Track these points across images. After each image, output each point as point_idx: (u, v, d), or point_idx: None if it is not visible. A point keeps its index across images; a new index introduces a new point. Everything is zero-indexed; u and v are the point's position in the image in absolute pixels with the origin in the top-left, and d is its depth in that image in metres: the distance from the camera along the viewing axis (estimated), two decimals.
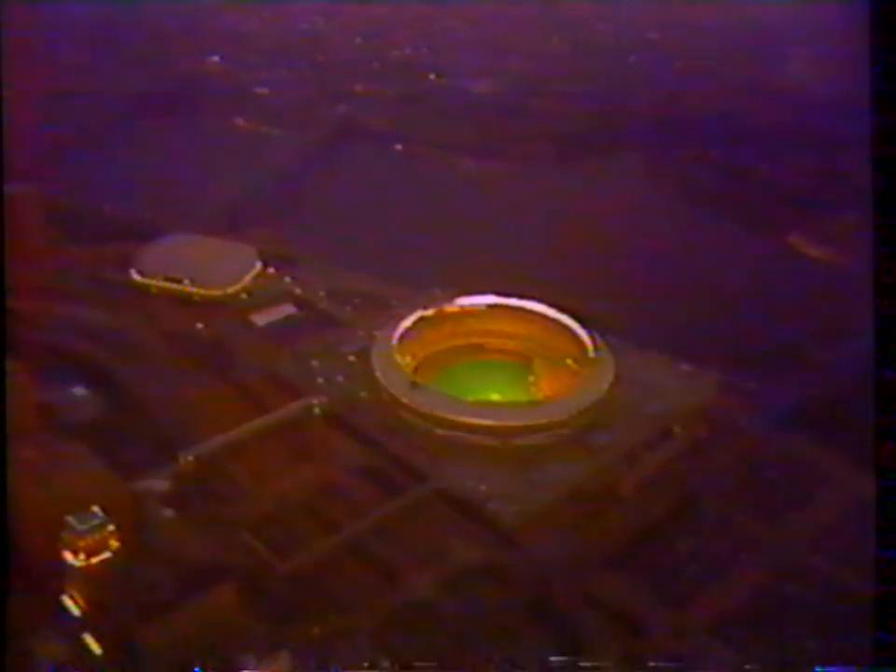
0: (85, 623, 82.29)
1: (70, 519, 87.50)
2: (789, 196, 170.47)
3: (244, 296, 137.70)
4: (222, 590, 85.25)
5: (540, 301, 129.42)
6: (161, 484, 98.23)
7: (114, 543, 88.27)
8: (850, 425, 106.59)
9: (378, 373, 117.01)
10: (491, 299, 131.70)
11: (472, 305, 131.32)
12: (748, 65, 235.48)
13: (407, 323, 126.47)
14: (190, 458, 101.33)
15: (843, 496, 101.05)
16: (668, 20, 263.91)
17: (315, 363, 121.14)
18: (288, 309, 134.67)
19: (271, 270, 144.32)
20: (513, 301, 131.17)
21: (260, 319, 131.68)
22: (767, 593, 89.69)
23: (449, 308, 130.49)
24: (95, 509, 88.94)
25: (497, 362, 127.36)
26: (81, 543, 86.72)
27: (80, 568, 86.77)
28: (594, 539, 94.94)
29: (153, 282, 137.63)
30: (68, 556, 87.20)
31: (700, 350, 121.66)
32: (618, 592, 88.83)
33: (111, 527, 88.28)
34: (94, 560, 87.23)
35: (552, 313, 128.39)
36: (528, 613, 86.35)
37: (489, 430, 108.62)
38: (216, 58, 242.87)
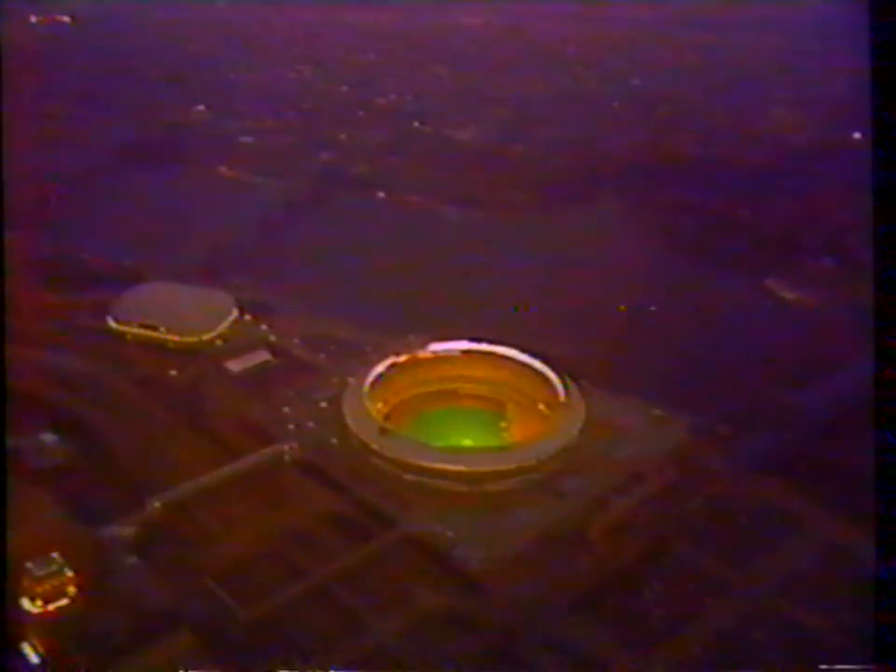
0: (43, 670, 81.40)
1: (28, 565, 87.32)
2: (765, 240, 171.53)
3: (219, 343, 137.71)
4: (181, 637, 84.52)
5: (514, 346, 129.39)
6: (126, 531, 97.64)
7: (72, 589, 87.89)
8: (822, 469, 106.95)
9: (349, 420, 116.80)
10: (465, 344, 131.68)
11: (445, 351, 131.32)
12: (728, 112, 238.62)
13: (379, 369, 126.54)
14: (157, 505, 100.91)
15: (813, 541, 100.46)
16: (651, 66, 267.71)
17: (286, 409, 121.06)
18: (263, 356, 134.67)
19: (248, 317, 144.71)
20: (486, 347, 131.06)
21: (235, 366, 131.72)
22: (735, 639, 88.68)
23: (422, 354, 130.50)
24: (54, 555, 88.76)
25: (470, 408, 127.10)
26: (39, 589, 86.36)
27: (38, 615, 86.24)
28: (561, 585, 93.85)
29: (129, 329, 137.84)
30: (26, 602, 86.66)
31: (672, 394, 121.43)
32: (585, 637, 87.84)
33: (69, 573, 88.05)
34: (52, 606, 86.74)
35: (524, 358, 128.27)
36: (493, 659, 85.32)
37: (458, 476, 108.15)
38: (201, 107, 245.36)
